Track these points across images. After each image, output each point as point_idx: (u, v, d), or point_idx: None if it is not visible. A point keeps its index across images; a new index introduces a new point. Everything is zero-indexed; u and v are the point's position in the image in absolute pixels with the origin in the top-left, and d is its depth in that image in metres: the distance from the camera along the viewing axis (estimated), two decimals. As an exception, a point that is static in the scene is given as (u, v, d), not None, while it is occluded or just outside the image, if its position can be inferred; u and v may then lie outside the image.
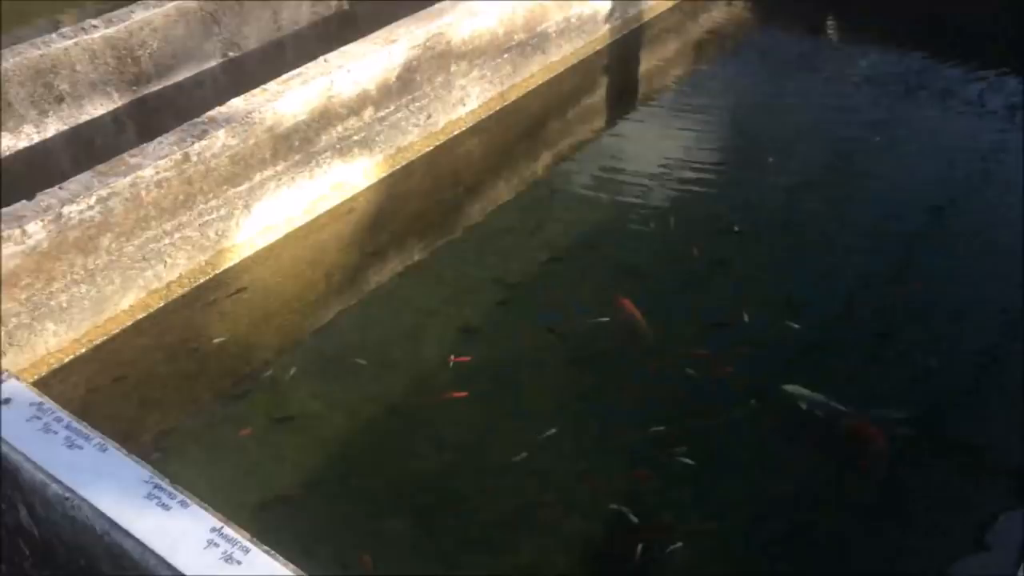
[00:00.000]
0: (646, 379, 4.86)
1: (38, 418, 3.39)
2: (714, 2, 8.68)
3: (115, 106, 6.09)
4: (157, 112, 6.34)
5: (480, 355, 5.01)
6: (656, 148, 6.98)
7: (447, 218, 6.13)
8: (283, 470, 4.54)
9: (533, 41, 6.71)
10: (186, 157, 4.77)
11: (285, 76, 5.30)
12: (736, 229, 5.89)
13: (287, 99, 5.15)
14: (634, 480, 4.38)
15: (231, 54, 6.63)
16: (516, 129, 6.85)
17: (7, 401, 3.45)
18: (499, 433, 4.64)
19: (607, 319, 5.17)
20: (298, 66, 5.46)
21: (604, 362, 5.02)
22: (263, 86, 5.21)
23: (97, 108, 5.99)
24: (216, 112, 4.98)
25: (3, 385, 3.51)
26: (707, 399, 4.75)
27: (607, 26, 7.39)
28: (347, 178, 5.77)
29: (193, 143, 4.79)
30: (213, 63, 6.55)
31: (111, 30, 5.87)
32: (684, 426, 4.57)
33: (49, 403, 3.46)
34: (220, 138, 4.89)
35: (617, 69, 7.75)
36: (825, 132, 7.20)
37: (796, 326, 5.08)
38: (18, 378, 3.55)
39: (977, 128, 7.16)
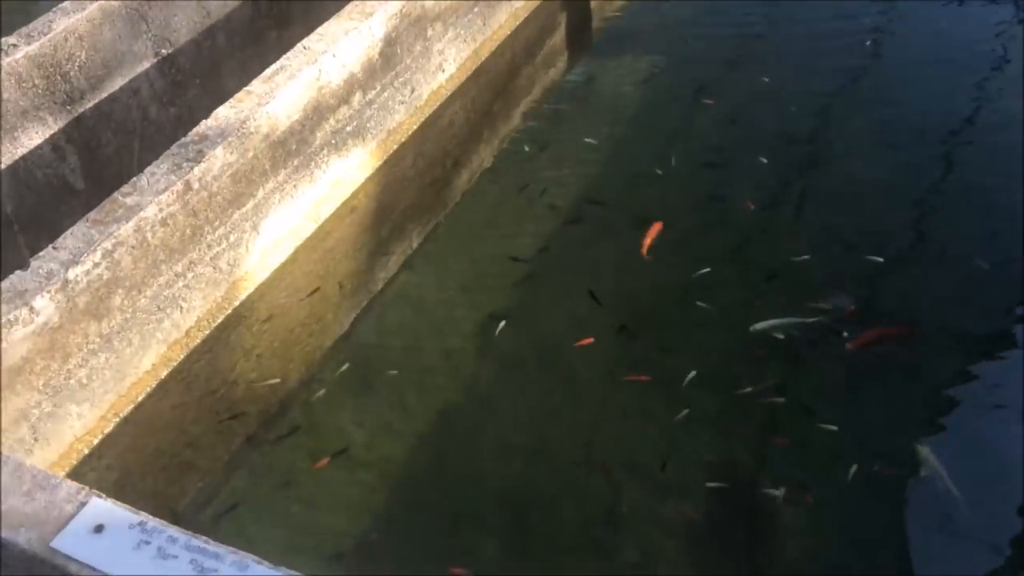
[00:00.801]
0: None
1: (146, 542, 2.82)
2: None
3: (52, 132, 5.26)
4: (96, 130, 5.56)
5: (516, 341, 4.66)
6: (622, 84, 6.65)
7: (445, 200, 5.64)
8: (349, 512, 4.12)
9: (498, -10, 6.18)
10: (188, 186, 4.10)
11: (268, 72, 4.63)
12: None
13: (279, 99, 4.50)
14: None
15: (163, 51, 5.83)
16: (493, 87, 6.35)
17: (100, 529, 2.85)
18: (560, 424, 4.32)
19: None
20: (236, 56, 4.80)
21: (652, 326, 4.73)
22: (247, 88, 4.53)
23: (33, 138, 5.16)
24: (206, 127, 4.30)
25: (86, 508, 2.90)
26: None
27: (559, -39, 6.89)
28: (345, 174, 5.17)
29: (191, 168, 4.11)
30: (147, 64, 5.72)
31: (34, 47, 5.01)
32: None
33: (151, 520, 2.87)
34: (219, 157, 4.23)
35: (575, 5, 7.28)
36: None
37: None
38: (101, 495, 2.94)
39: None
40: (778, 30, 7.11)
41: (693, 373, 4.37)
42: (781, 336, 4.52)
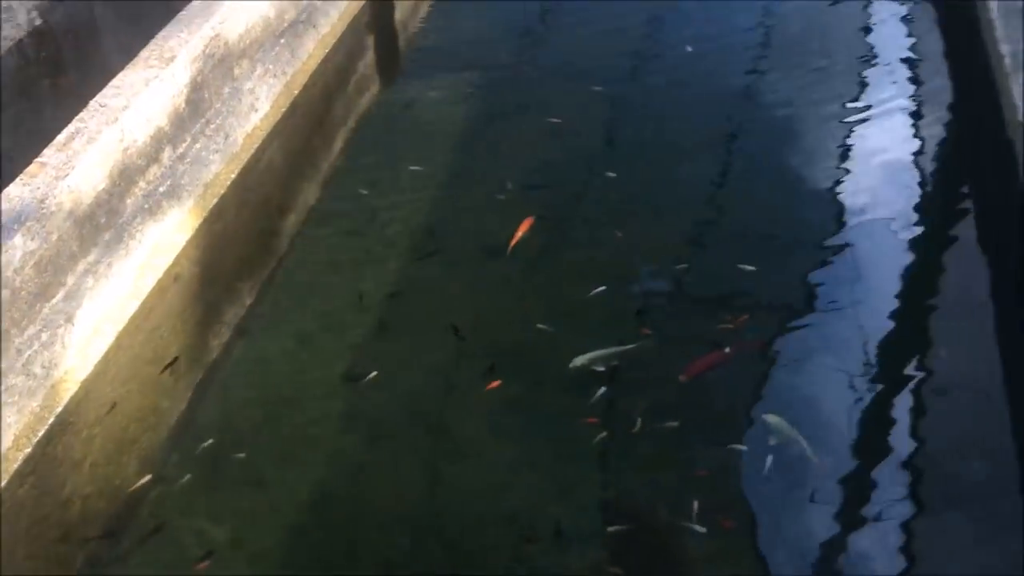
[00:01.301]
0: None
1: None
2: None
3: None
4: None
5: (380, 399, 4.32)
6: (441, 105, 6.38)
7: (276, 251, 5.18)
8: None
9: (303, 16, 5.70)
10: (-16, 286, 3.47)
11: (61, 138, 4.00)
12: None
13: (80, 169, 3.89)
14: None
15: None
16: (310, 122, 5.93)
17: None
18: (443, 488, 4.03)
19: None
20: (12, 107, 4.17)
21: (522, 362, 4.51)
22: (39, 159, 3.89)
23: None
24: (-4, 212, 3.65)
25: None
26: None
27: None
28: (163, 240, 4.60)
29: (-14, 264, 3.48)
30: None
31: None
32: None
33: None
34: (18, 246, 3.59)
35: (381, 26, 6.92)
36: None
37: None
38: None
39: None
40: (589, 36, 7.05)
41: (570, 408, 4.20)
42: (601, 368, 4.36)
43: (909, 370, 4.39)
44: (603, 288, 4.74)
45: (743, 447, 4.02)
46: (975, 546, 3.74)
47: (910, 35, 6.86)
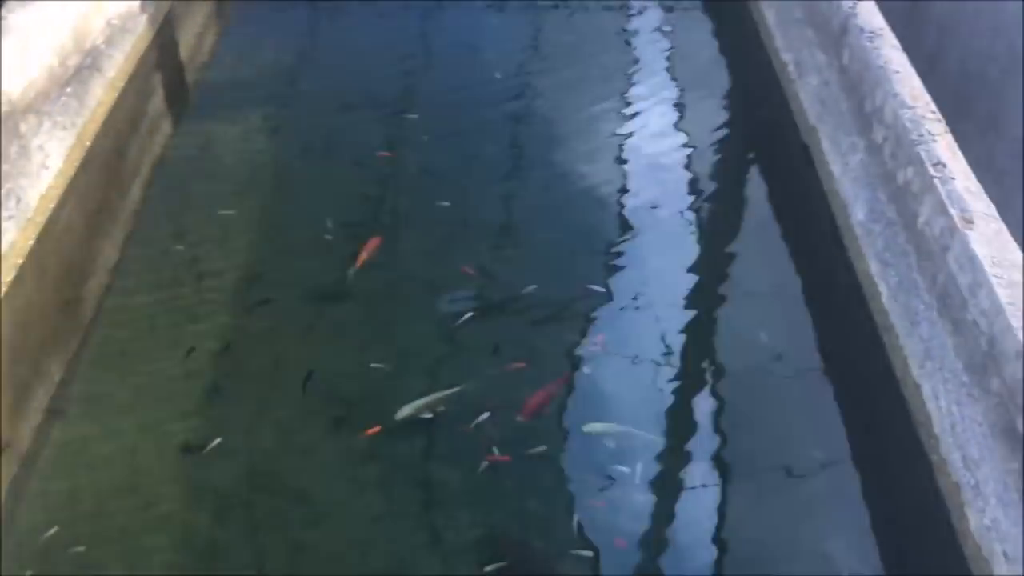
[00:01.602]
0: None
1: None
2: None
3: None
4: None
5: (226, 469, 4.07)
6: (241, 144, 6.10)
7: (83, 321, 4.73)
8: None
9: (88, 61, 5.26)
10: None
11: None
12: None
13: None
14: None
15: None
16: (106, 175, 5.48)
17: None
18: (307, 556, 3.83)
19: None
20: None
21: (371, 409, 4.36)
22: None
23: None
24: None
25: None
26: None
27: (144, 16, 6.07)
28: (-43, 325, 4.11)
29: None
30: None
31: None
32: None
33: None
34: None
35: (169, 64, 6.52)
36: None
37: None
38: None
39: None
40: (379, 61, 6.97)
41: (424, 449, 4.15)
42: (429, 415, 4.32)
43: (705, 356, 4.71)
44: (440, 321, 4.73)
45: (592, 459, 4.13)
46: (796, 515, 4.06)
47: (698, 46, 7.22)
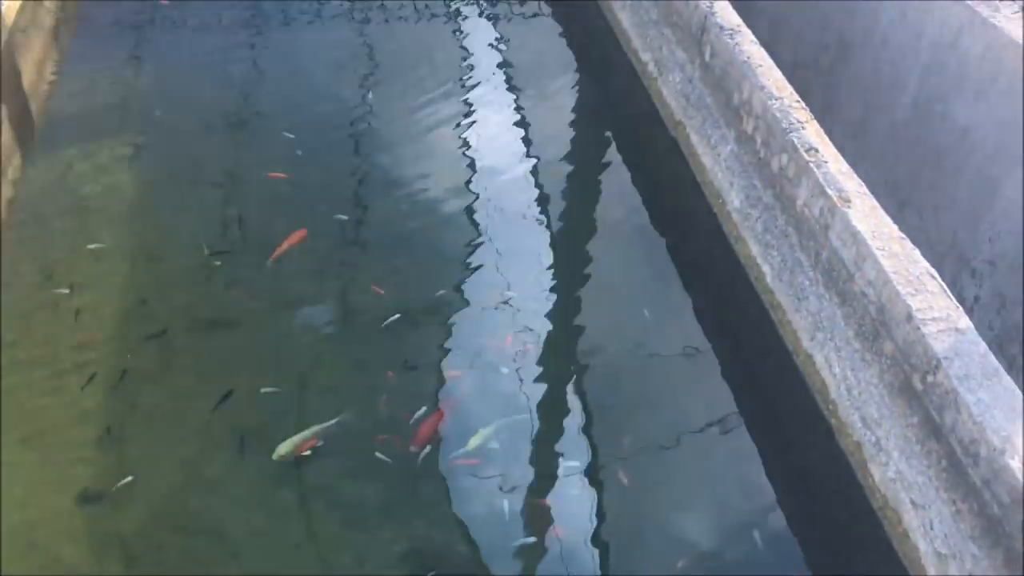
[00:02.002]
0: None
1: None
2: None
3: None
4: None
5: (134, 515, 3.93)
6: (97, 177, 5.84)
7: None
8: None
9: (-70, 96, 4.88)
10: None
11: None
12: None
13: None
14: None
15: None
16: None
17: None
18: None
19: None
20: None
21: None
22: None
23: None
24: None
25: None
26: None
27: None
28: None
29: None
30: None
31: None
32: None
33: None
34: None
35: (12, 95, 6.12)
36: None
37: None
38: None
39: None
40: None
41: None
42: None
43: (594, 346, 4.89)
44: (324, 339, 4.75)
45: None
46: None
47: (552, 51, 7.40)
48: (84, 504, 3.97)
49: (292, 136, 6.14)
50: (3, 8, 6.05)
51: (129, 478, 4.02)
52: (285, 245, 5.08)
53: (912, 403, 3.46)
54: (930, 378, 3.34)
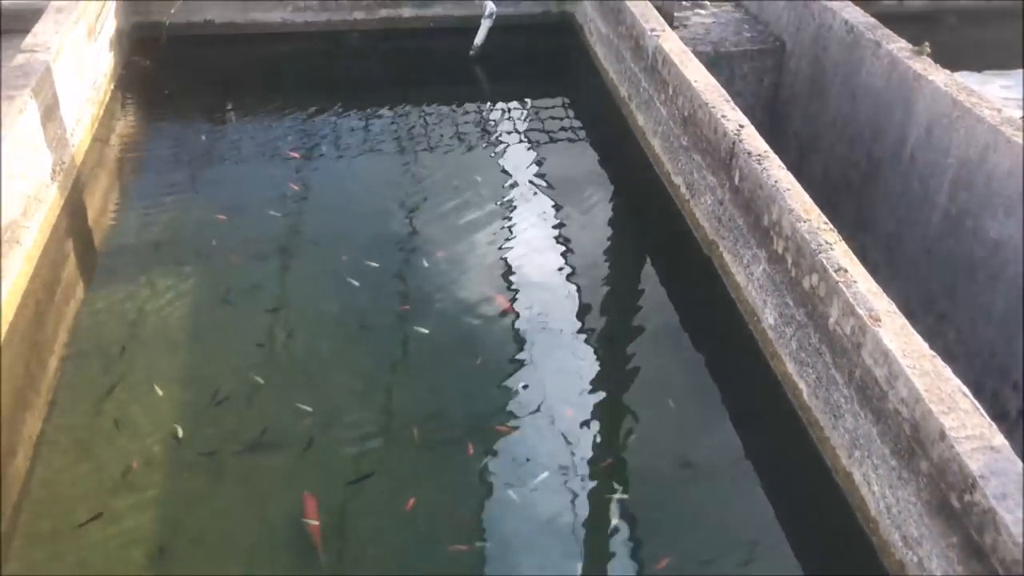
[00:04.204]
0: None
1: None
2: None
3: None
4: None
5: None
6: (164, 307, 6.13)
7: (11, 503, 4.59)
8: None
9: (8, 235, 5.23)
10: None
11: None
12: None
13: None
14: None
15: None
16: (26, 346, 5.39)
17: None
18: None
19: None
20: None
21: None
22: None
23: None
24: None
25: None
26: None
27: (55, 185, 6.07)
28: None
29: None
30: None
31: None
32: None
33: None
34: None
35: (78, 230, 6.51)
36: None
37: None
38: None
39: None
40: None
41: None
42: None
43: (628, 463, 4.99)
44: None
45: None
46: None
47: (589, 174, 7.66)
48: None
49: (345, 258, 6.44)
50: (73, 150, 6.51)
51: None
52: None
53: (951, 522, 3.46)
54: (967, 497, 3.36)
